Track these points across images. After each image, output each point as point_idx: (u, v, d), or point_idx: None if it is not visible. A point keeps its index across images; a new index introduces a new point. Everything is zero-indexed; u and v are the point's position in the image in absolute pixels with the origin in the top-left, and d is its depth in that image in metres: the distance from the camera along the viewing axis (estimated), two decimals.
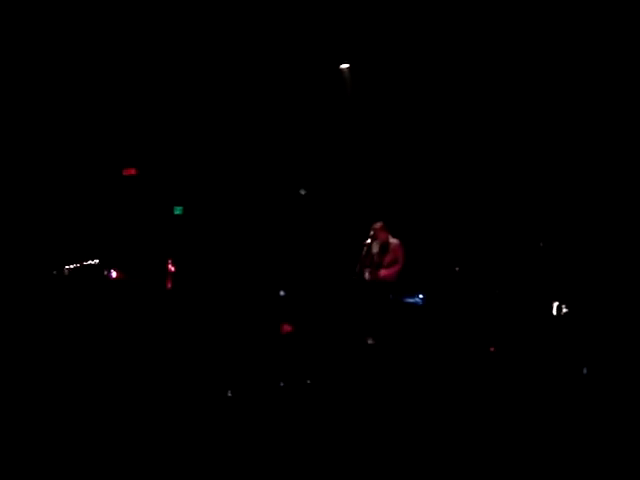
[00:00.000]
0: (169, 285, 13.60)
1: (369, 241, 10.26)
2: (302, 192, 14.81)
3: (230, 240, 14.78)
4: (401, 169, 14.40)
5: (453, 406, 7.10)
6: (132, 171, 15.65)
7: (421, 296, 12.80)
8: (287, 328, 11.17)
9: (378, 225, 10.31)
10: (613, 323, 10.21)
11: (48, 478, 4.75)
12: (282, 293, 13.59)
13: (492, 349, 10.07)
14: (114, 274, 13.59)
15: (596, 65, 11.81)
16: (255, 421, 6.28)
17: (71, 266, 14.02)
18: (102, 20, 13.06)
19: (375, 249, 10.27)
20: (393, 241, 10.24)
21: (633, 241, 11.50)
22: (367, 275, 10.19)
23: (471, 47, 12.92)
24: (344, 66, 14.43)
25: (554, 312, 11.17)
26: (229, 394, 7.07)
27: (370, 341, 9.89)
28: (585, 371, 8.57)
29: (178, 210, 15.39)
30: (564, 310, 11.04)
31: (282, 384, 7.71)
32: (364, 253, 10.32)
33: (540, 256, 12.21)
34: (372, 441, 5.86)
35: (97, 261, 14.08)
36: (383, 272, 10.05)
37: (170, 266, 13.73)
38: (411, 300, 12.68)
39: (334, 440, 5.84)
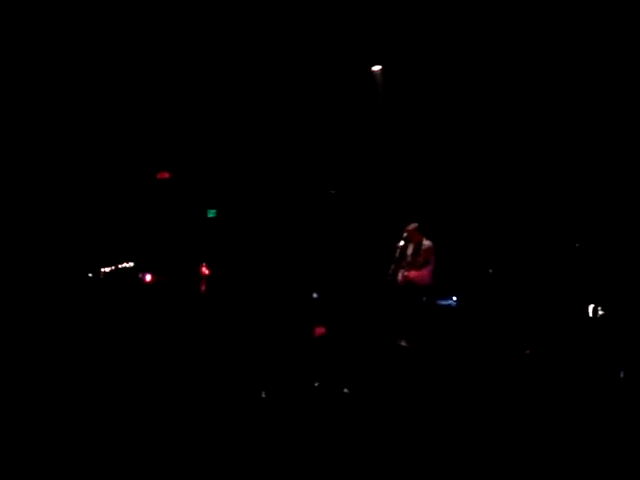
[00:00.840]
0: (203, 288, 13.69)
1: (402, 243, 10.22)
2: (332, 192, 14.82)
3: (263, 242, 14.83)
4: (434, 170, 14.37)
5: (485, 408, 7.05)
6: (166, 175, 15.79)
7: (455, 298, 12.77)
8: (320, 330, 11.18)
9: (412, 227, 10.26)
10: None
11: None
12: (315, 295, 13.62)
13: (527, 352, 9.97)
14: (148, 277, 13.71)
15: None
16: (287, 422, 6.30)
17: (107, 269, 14.17)
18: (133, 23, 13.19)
19: (409, 251, 10.22)
20: (426, 243, 10.18)
21: None
22: (400, 277, 10.14)
23: (498, 50, 12.85)
24: (376, 68, 14.43)
25: (590, 314, 11.04)
26: (263, 395, 7.09)
27: (403, 343, 9.84)
28: (622, 375, 8.45)
29: (212, 213, 15.49)
30: (600, 312, 10.92)
31: (316, 384, 7.72)
32: (397, 254, 10.28)
33: (576, 257, 12.10)
34: (400, 441, 5.85)
35: (132, 264, 14.22)
36: (414, 273, 9.99)
37: (204, 269, 13.81)
38: (445, 302, 12.65)
39: (362, 442, 5.83)
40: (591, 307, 11.10)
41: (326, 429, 6.19)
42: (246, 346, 9.80)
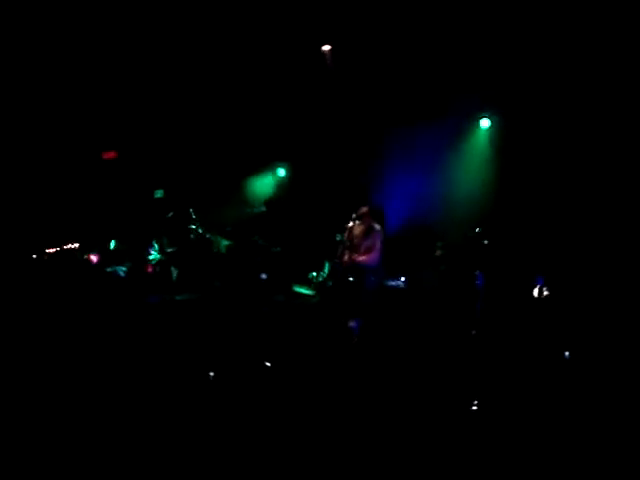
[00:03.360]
0: (149, 269, 13.51)
1: (351, 224, 10.20)
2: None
3: (211, 222, 14.71)
4: (385, 152, 14.38)
5: (435, 389, 7.10)
6: (112, 154, 15.51)
7: (403, 279, 12.82)
8: (267, 311, 11.16)
9: (364, 210, 10.24)
10: (595, 308, 10.24)
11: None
12: (263, 276, 13.55)
13: (473, 332, 10.07)
14: (95, 258, 13.47)
15: None
16: (237, 404, 6.26)
17: (51, 250, 13.89)
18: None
19: (357, 232, 10.21)
20: (375, 226, 10.18)
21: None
22: (346, 258, 10.14)
23: (452, 29, 12.83)
24: (326, 47, 14.34)
25: (535, 294, 11.18)
26: (211, 375, 7.06)
27: (352, 324, 9.84)
28: (567, 355, 8.58)
29: (159, 193, 15.27)
30: (545, 293, 11.06)
31: (268, 364, 7.71)
32: (346, 236, 10.27)
33: (520, 237, 12.23)
34: (352, 425, 5.85)
35: (77, 245, 13.96)
36: (359, 257, 10.01)
37: (151, 250, 13.62)
38: (393, 283, 12.69)
39: (309, 421, 5.82)
40: (537, 288, 11.24)
41: (273, 408, 6.17)
42: (193, 326, 9.76)
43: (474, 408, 6.48)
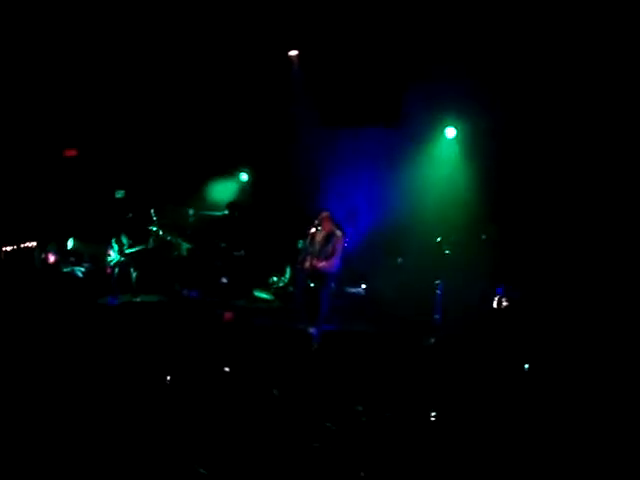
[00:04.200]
0: (108, 270, 13.35)
1: (313, 230, 10.19)
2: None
3: (173, 224, 14.62)
4: (347, 158, 14.41)
5: (393, 398, 7.10)
6: (73, 152, 15.31)
7: (363, 286, 12.84)
8: (229, 315, 11.09)
9: (324, 215, 10.24)
10: (555, 318, 10.35)
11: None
12: (224, 280, 13.49)
13: (432, 341, 10.10)
14: (52, 258, 13.26)
15: None
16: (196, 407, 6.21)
17: (8, 248, 13.66)
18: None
19: (318, 238, 10.20)
20: (336, 232, 10.19)
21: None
22: (308, 264, 10.13)
23: (416, 34, 12.91)
24: (293, 53, 14.34)
25: (494, 305, 11.28)
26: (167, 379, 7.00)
27: (311, 330, 9.84)
28: (527, 367, 8.63)
29: (120, 193, 15.13)
30: (504, 303, 11.16)
31: (226, 369, 7.67)
32: (307, 241, 10.26)
33: (480, 248, 12.32)
34: (310, 431, 5.83)
35: (35, 244, 13.74)
36: (321, 263, 10.00)
37: (110, 251, 13.47)
38: (353, 290, 12.72)
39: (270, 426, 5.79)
40: (496, 298, 11.33)
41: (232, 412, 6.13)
42: (152, 328, 9.68)
43: (432, 419, 6.50)
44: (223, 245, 14.20)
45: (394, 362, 8.79)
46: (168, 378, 7.08)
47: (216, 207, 15.35)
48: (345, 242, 10.68)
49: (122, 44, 13.78)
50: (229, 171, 15.71)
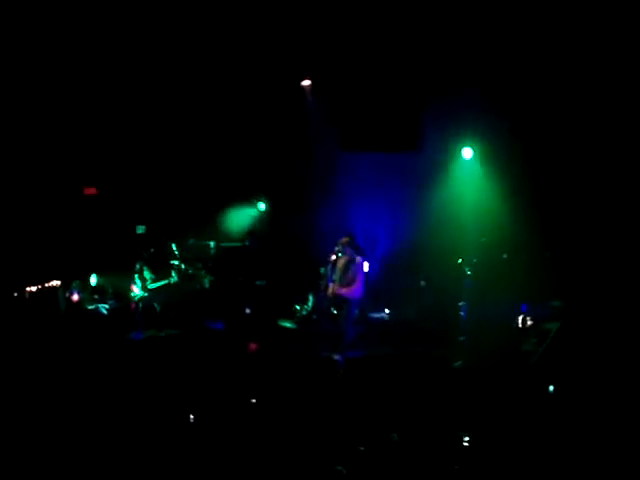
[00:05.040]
0: (132, 306, 13.42)
1: (334, 257, 10.21)
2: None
3: (195, 257, 14.69)
4: (365, 184, 14.45)
5: (421, 423, 7.06)
6: (92, 190, 15.46)
7: (387, 311, 12.82)
8: (253, 347, 11.09)
9: (344, 240, 10.27)
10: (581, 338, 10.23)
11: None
12: (248, 311, 13.51)
13: (458, 364, 10.04)
14: (76, 296, 13.34)
15: None
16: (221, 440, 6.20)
17: (32, 288, 13.75)
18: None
19: (340, 264, 10.22)
20: (357, 258, 10.20)
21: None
22: (330, 290, 10.13)
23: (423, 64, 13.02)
24: (306, 83, 14.48)
25: (519, 324, 11.19)
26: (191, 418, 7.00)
27: (336, 357, 9.82)
28: (551, 389, 8.54)
29: (140, 229, 15.24)
30: (529, 322, 11.06)
31: (253, 401, 7.66)
32: (329, 268, 10.28)
33: (504, 266, 12.26)
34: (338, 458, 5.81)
35: (59, 283, 13.83)
36: (344, 290, 10.00)
37: (133, 286, 13.54)
38: (377, 316, 12.70)
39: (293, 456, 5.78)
40: (520, 318, 11.24)
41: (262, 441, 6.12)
42: (179, 362, 9.69)
43: (465, 444, 6.46)
44: (242, 277, 14.25)
45: (422, 386, 8.74)
46: (192, 417, 7.08)
47: (235, 237, 15.43)
48: (367, 267, 10.68)
49: (139, 83, 13.98)
50: (247, 200, 15.81)
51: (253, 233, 15.36)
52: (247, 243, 14.99)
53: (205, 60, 13.65)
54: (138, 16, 12.69)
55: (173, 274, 13.87)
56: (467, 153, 13.59)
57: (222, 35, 13.04)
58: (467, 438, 6.53)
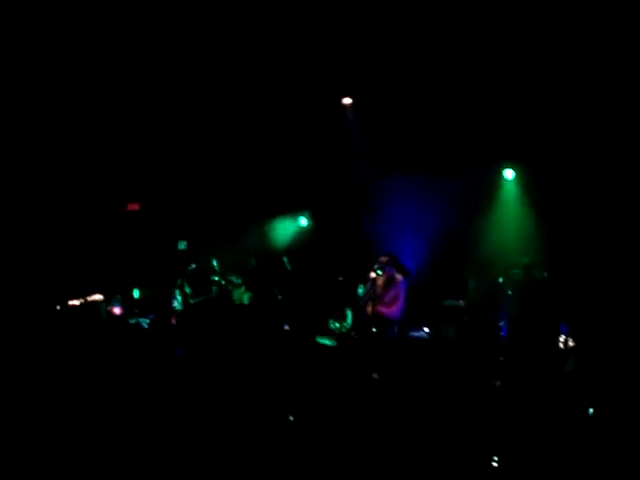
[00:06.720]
0: (173, 321, 13.52)
1: (373, 275, 10.20)
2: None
3: (236, 273, 14.78)
4: (406, 200, 14.45)
5: (457, 443, 7.01)
6: (135, 206, 15.68)
7: (427, 330, 12.75)
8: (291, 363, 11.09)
9: (384, 259, 10.25)
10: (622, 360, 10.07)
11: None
12: (286, 328, 13.51)
13: (498, 384, 9.94)
14: (118, 310, 13.51)
15: None
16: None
17: (75, 302, 13.95)
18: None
19: (379, 282, 10.21)
20: (397, 277, 10.18)
21: None
22: (369, 309, 10.11)
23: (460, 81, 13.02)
24: (347, 101, 14.56)
25: (561, 345, 11.05)
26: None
27: (375, 376, 9.79)
28: (591, 412, 8.42)
29: (182, 245, 15.39)
30: (570, 344, 10.93)
31: (291, 418, 7.67)
32: (368, 286, 10.27)
33: (545, 283, 12.16)
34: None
35: (101, 297, 14.01)
36: (384, 309, 9.97)
37: (174, 301, 13.66)
38: (416, 334, 12.62)
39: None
40: (562, 338, 11.10)
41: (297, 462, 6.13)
42: (218, 378, 9.73)
43: (494, 464, 6.41)
44: (278, 295, 14.29)
45: (461, 406, 8.68)
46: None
47: (276, 253, 15.51)
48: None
49: (183, 100, 14.18)
50: (289, 216, 15.91)
51: (291, 249, 15.42)
52: (285, 259, 15.04)
53: (250, 76, 13.80)
54: (176, 32, 12.90)
55: (213, 289, 13.96)
56: (509, 174, 13.56)
57: (267, 52, 13.19)
58: (497, 459, 6.49)
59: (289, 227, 16.39)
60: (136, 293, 13.89)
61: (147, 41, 12.97)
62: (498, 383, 9.90)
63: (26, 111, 13.49)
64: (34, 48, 12.60)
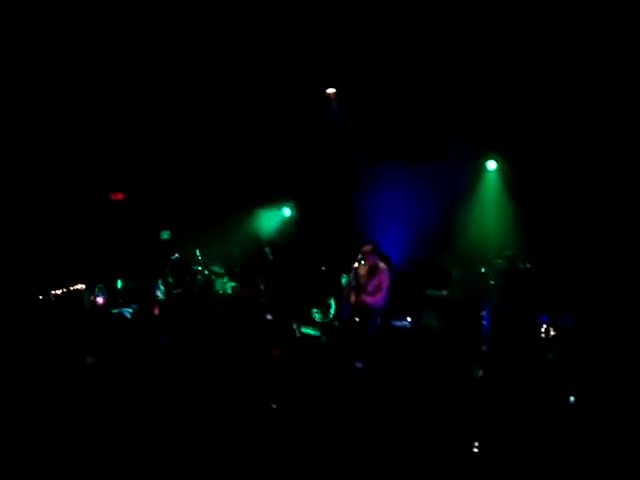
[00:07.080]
0: (155, 311, 13.51)
1: (357, 264, 10.18)
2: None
3: (218, 263, 14.77)
4: (388, 191, 14.48)
5: (440, 432, 7.06)
6: (119, 195, 15.63)
7: (409, 319, 12.80)
8: (275, 352, 11.10)
9: (367, 248, 10.22)
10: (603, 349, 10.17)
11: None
12: (269, 317, 13.53)
13: (480, 374, 10.01)
14: (101, 300, 13.47)
15: None
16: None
17: (57, 291, 13.89)
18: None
19: (362, 272, 10.20)
20: (381, 266, 10.17)
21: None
22: (353, 298, 10.09)
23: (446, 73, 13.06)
24: (331, 90, 14.55)
25: (542, 335, 11.14)
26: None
27: (358, 365, 9.81)
28: (572, 400, 8.49)
29: (165, 235, 15.36)
30: (552, 333, 11.01)
31: (274, 406, 7.68)
32: (351, 276, 10.25)
33: (527, 276, 12.24)
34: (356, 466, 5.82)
35: (84, 286, 13.97)
36: (367, 298, 9.96)
37: (157, 291, 13.64)
38: (399, 324, 12.68)
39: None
40: (543, 328, 11.18)
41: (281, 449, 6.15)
42: (200, 367, 9.73)
43: (475, 450, 6.46)
44: (262, 285, 14.31)
45: (443, 395, 8.73)
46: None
47: (259, 242, 15.51)
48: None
49: (166, 90, 14.13)
50: (273, 206, 15.92)
51: (272, 243, 15.42)
52: (267, 249, 15.04)
53: (233, 67, 13.76)
54: (165, 24, 12.85)
55: (197, 279, 13.96)
56: (491, 165, 13.63)
57: (251, 42, 13.16)
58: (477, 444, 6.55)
59: (273, 217, 16.39)
60: (119, 283, 13.85)
61: (132, 31, 12.90)
62: (480, 372, 9.96)
63: (8, 101, 13.40)
64: (23, 40, 12.53)
